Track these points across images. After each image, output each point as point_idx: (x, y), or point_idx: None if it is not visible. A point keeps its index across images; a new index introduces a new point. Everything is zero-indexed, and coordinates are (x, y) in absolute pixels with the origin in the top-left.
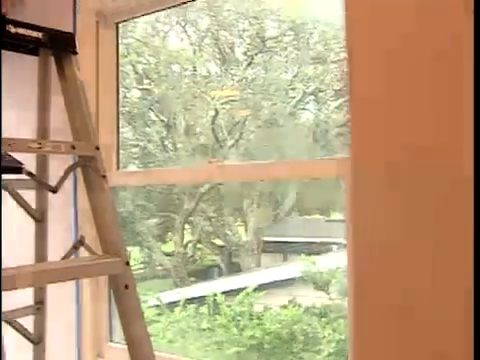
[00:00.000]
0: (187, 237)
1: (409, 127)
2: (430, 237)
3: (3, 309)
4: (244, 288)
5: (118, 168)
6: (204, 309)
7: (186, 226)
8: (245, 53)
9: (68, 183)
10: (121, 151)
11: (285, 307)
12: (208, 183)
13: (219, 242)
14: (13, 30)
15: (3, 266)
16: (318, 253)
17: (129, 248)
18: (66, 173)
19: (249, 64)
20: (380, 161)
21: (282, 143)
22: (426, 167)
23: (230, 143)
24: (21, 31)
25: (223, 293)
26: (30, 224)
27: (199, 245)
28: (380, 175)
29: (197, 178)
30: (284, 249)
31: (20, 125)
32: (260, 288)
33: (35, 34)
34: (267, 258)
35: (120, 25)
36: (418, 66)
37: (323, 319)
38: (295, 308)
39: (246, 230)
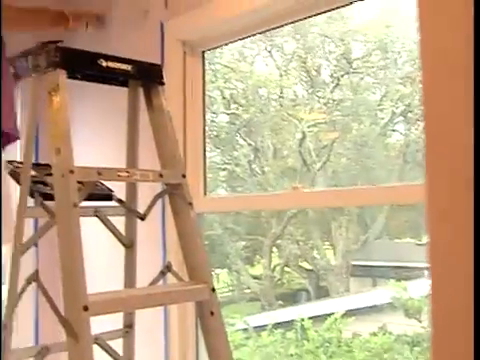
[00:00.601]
0: (275, 260)
1: None
2: None
3: (94, 332)
4: (332, 313)
5: (205, 194)
6: (291, 334)
7: (274, 249)
8: (332, 75)
9: (156, 210)
10: (209, 175)
11: (375, 334)
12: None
13: (307, 266)
14: (104, 64)
15: (94, 291)
16: (409, 278)
17: (217, 271)
18: (154, 201)
19: (336, 86)
20: (454, 183)
21: (371, 165)
22: None
23: (318, 166)
24: (111, 64)
25: (311, 318)
26: (120, 250)
27: (287, 268)
28: (453, 198)
29: (283, 204)
30: (373, 273)
31: (110, 154)
32: (349, 314)
33: (124, 67)
34: (356, 282)
35: (207, 52)
36: None
37: (415, 348)
38: (385, 336)
39: (334, 253)
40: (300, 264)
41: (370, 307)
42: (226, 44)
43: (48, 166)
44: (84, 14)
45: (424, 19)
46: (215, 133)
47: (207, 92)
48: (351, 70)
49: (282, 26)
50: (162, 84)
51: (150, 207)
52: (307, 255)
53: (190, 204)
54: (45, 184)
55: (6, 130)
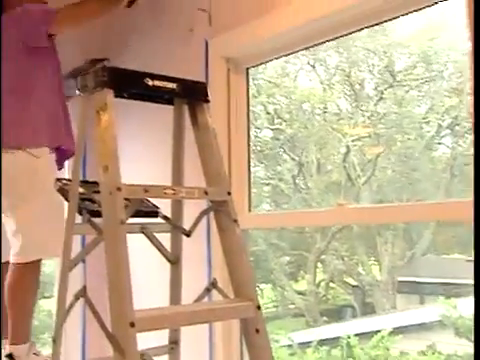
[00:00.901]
0: (319, 276)
1: None
2: None
3: (140, 347)
4: (379, 331)
5: (250, 210)
6: (337, 351)
7: (318, 265)
8: (375, 88)
9: (201, 227)
10: (253, 190)
11: (424, 353)
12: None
13: (352, 281)
14: (150, 83)
15: (140, 307)
16: (459, 296)
17: (261, 286)
18: (199, 217)
19: (380, 99)
20: None
21: (417, 179)
22: None
23: (362, 180)
24: (157, 83)
25: (357, 335)
26: (165, 267)
27: (331, 284)
28: None
29: (328, 221)
30: (420, 290)
31: (156, 170)
32: (396, 331)
33: (170, 85)
34: (402, 299)
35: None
36: None
37: None
38: (435, 355)
39: (380, 269)
40: (345, 280)
41: (418, 325)
42: (270, 60)
43: (96, 183)
44: None
45: (475, 28)
46: (259, 148)
47: (251, 107)
48: (395, 83)
49: (326, 42)
50: (207, 102)
51: (196, 224)
52: (352, 271)
53: (235, 221)
54: (93, 201)
55: (65, 147)
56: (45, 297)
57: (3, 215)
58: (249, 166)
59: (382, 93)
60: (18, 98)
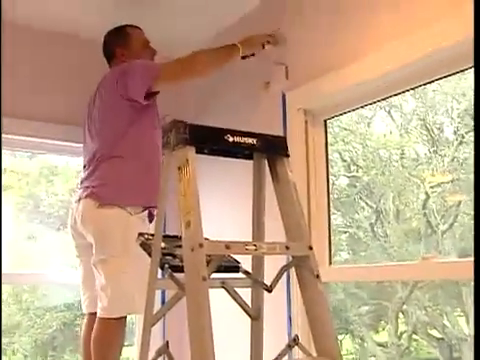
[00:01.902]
0: (401, 327)
1: None
2: None
3: None
4: None
5: (330, 263)
6: None
7: (400, 315)
8: (455, 132)
9: (281, 281)
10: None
11: None
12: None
13: (437, 334)
14: (231, 139)
15: None
16: None
17: (340, 337)
18: (280, 273)
19: (460, 143)
20: None
21: None
22: None
23: (443, 228)
24: (237, 139)
25: None
26: (244, 322)
27: (415, 336)
28: None
29: (412, 275)
30: None
31: (236, 225)
32: None
33: (250, 141)
34: None
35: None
36: None
37: None
38: None
39: (467, 322)
40: (429, 332)
41: None
42: (347, 112)
43: (176, 237)
44: (256, 38)
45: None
46: (335, 196)
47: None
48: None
49: (404, 92)
50: (287, 156)
51: (277, 279)
52: (436, 322)
53: (317, 276)
54: (174, 256)
55: (152, 210)
56: (124, 345)
57: (93, 268)
58: (329, 218)
59: (463, 137)
60: (118, 154)
